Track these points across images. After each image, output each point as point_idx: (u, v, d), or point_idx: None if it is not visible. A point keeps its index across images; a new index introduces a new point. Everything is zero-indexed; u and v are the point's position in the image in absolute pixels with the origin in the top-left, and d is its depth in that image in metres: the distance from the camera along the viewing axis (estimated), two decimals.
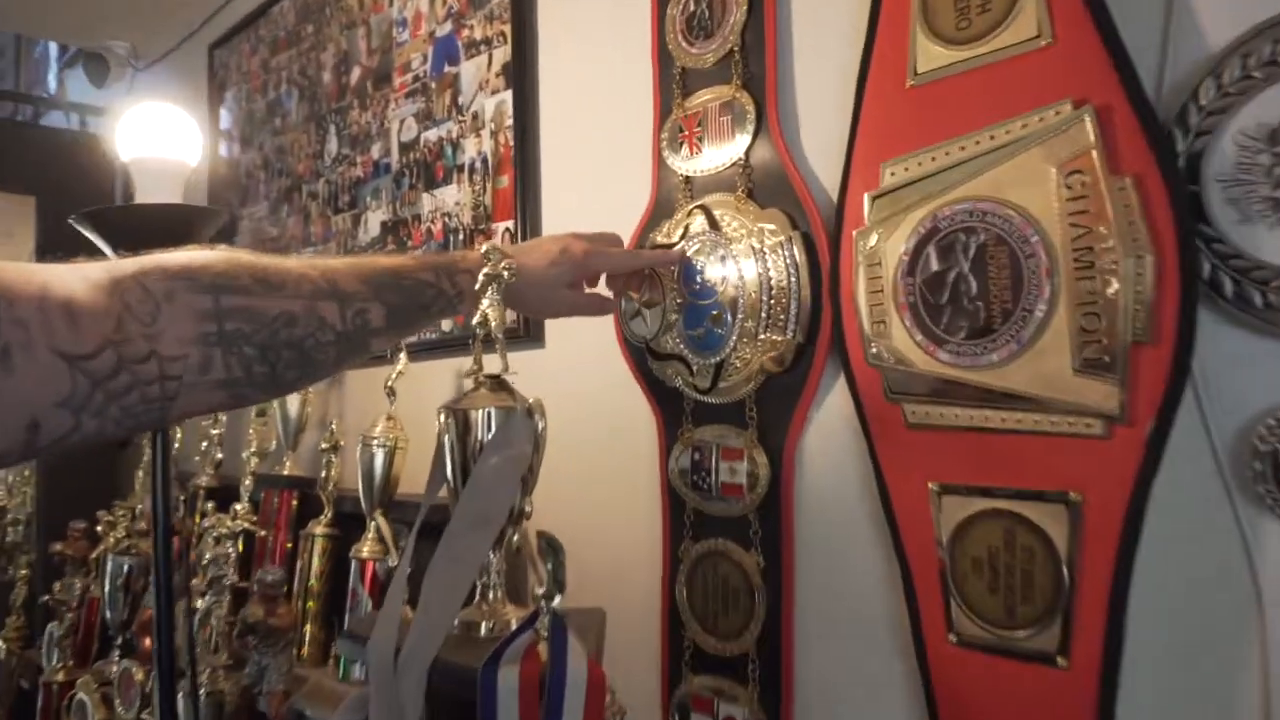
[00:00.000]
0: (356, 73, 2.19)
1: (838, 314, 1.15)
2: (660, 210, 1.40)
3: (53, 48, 5.15)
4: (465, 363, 1.81)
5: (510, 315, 1.59)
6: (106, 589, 2.20)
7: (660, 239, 1.38)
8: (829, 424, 1.20)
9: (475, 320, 1.12)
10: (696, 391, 1.31)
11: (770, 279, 1.22)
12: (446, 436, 1.11)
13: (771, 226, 1.23)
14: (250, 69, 2.71)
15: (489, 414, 1.09)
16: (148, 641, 1.95)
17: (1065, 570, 0.93)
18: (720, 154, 1.31)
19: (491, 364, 1.12)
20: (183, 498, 2.28)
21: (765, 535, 1.24)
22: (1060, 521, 0.94)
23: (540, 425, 1.07)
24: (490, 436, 1.08)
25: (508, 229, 1.68)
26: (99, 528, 2.32)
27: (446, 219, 1.85)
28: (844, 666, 1.18)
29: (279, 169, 2.55)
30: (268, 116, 2.62)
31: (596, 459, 1.53)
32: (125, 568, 2.17)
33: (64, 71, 4.77)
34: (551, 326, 1.63)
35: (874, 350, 1.09)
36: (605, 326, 1.45)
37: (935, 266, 1.03)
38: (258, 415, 2.10)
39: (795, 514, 1.23)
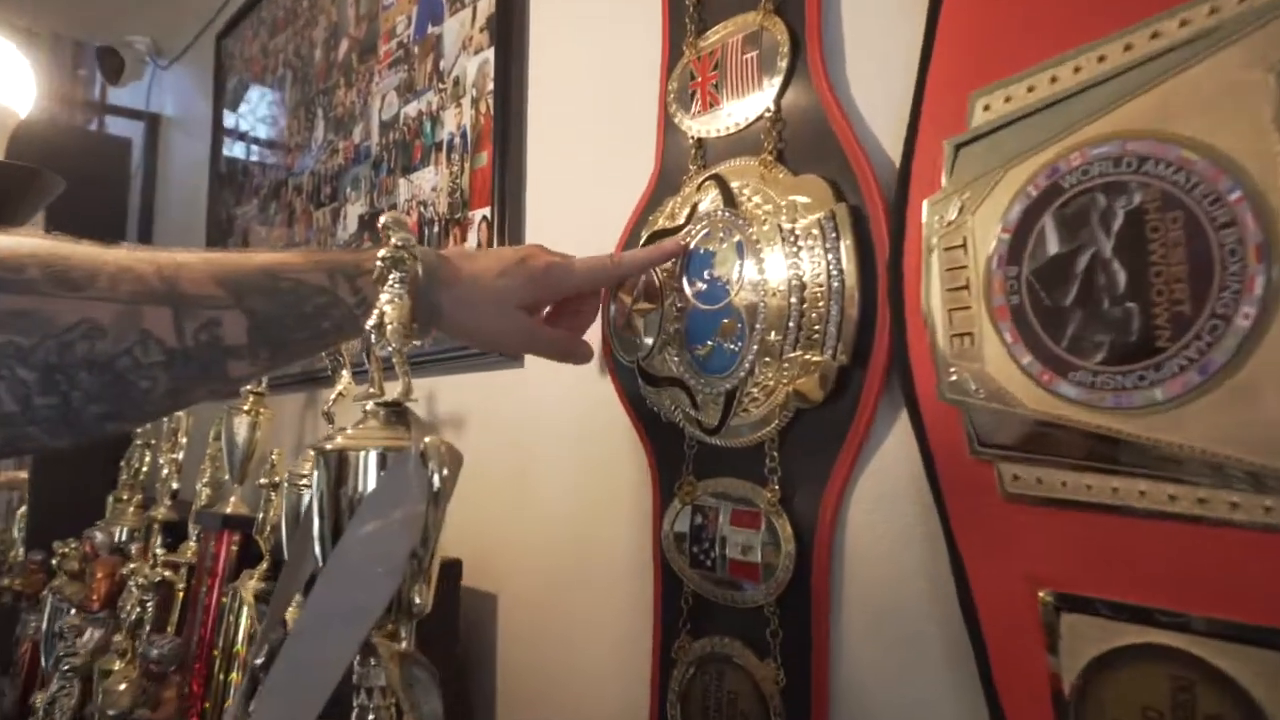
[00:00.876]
0: (344, 46, 1.90)
1: (899, 323, 0.78)
2: (664, 184, 1.05)
3: None
4: (445, 384, 1.49)
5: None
6: (44, 630, 1.93)
7: (664, 222, 1.02)
8: (884, 484, 0.82)
9: (371, 322, 0.79)
10: (700, 429, 0.95)
11: (803, 273, 0.85)
12: (313, 489, 0.77)
13: (806, 199, 0.86)
14: (251, 55, 2.46)
15: (372, 458, 0.74)
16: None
17: None
18: (742, 107, 0.96)
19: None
20: (135, 531, 1.99)
21: (787, 640, 0.86)
22: None
23: (437, 477, 0.72)
24: (369, 492, 0.74)
25: (485, 217, 1.35)
26: (54, 560, 2.04)
27: (422, 208, 1.53)
28: None
29: (271, 162, 2.27)
30: (263, 105, 2.36)
31: (573, 514, 1.17)
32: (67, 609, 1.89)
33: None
34: None
35: (953, 378, 0.72)
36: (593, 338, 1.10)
37: (1055, 248, 0.66)
38: (215, 438, 1.79)
39: (831, 615, 0.85)
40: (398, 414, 0.80)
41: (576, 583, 1.15)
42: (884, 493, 0.82)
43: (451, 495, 0.78)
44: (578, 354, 0.94)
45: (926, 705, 0.77)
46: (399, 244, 0.77)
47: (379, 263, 0.80)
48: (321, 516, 0.77)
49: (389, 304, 0.80)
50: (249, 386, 1.70)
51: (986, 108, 0.71)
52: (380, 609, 0.71)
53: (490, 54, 1.37)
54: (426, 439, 0.74)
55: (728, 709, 0.91)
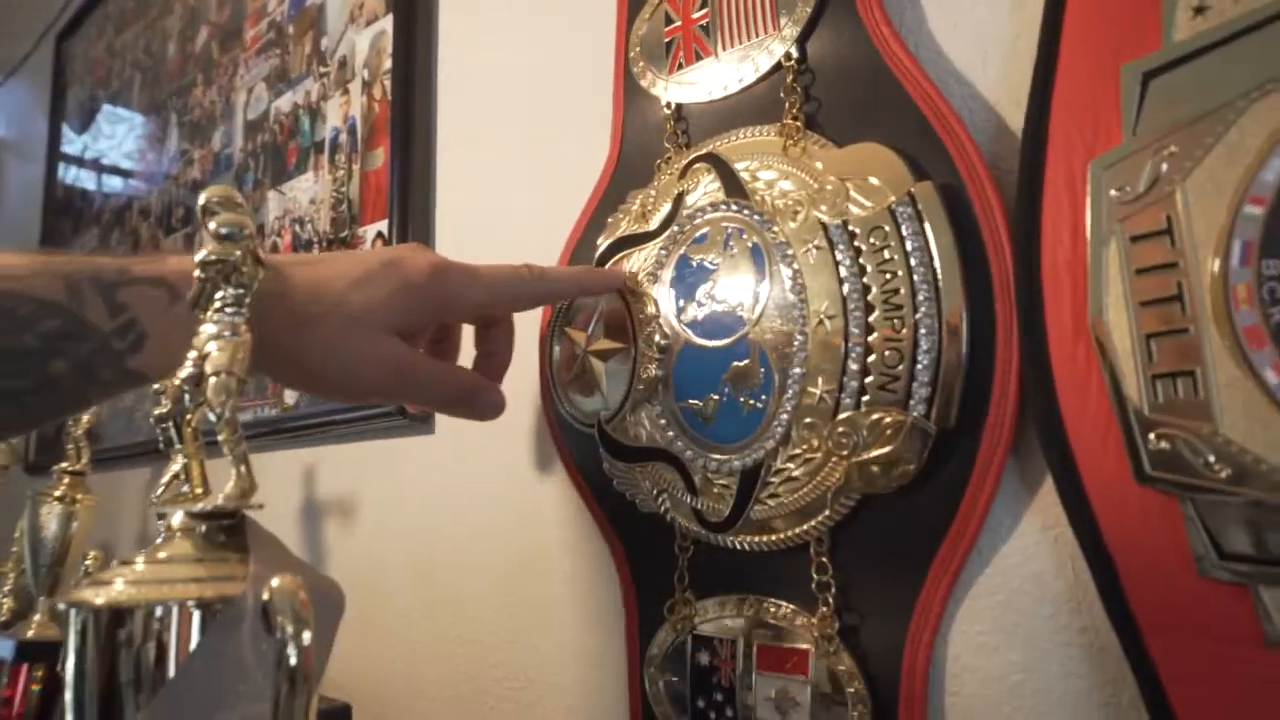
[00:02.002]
0: (203, 35, 1.55)
1: (1040, 360, 0.50)
2: (627, 173, 0.76)
3: None
4: (326, 457, 1.13)
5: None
6: None
7: (630, 225, 0.72)
8: (1016, 610, 0.54)
9: (183, 372, 0.47)
10: (701, 523, 0.64)
11: (866, 288, 0.57)
12: (68, 673, 0.43)
13: (863, 180, 0.58)
14: (95, 57, 2.07)
15: (174, 618, 0.41)
16: None
17: None
18: (742, 59, 0.67)
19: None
20: None
21: None
22: None
23: (293, 647, 0.39)
24: (169, 681, 0.41)
25: (380, 234, 1.02)
26: None
27: (297, 227, 1.19)
28: None
29: (114, 184, 1.88)
30: (105, 117, 1.97)
31: (508, 647, 0.84)
32: None
33: None
34: None
35: (1161, 446, 0.44)
36: (529, 395, 0.78)
37: None
38: (20, 534, 1.38)
39: None
40: (228, 531, 0.47)
41: None
42: (1015, 623, 0.53)
43: (325, 664, 0.46)
44: (478, 401, 0.62)
45: None
46: (224, 233, 0.45)
47: (198, 273, 0.48)
48: None
49: (215, 341, 0.48)
50: (65, 464, 1.31)
51: (1199, 9, 0.44)
52: None
53: (387, 24, 1.06)
54: (275, 583, 0.41)
55: None
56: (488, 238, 0.93)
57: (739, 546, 0.63)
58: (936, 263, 0.54)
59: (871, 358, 0.56)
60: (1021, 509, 0.53)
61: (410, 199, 0.99)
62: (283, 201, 1.24)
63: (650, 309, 0.68)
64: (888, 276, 0.56)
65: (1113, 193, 0.47)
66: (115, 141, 1.89)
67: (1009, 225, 0.53)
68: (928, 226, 0.55)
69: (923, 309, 0.54)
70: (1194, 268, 0.44)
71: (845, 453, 0.56)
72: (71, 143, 2.15)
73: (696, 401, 0.64)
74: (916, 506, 0.55)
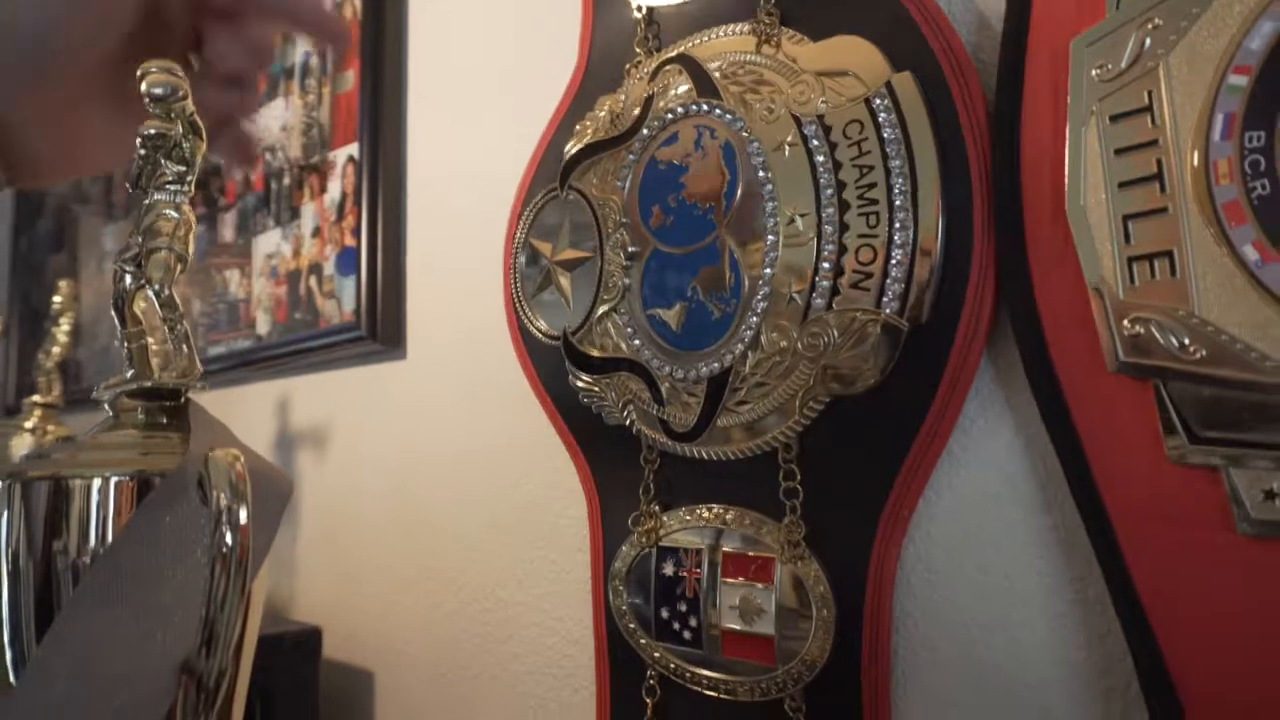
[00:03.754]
0: None
1: (1015, 248, 0.48)
2: (595, 80, 0.73)
3: None
4: (300, 387, 1.10)
5: (339, 293, 0.91)
6: None
7: (597, 131, 0.70)
8: (983, 511, 0.52)
9: (123, 256, 0.46)
10: (668, 434, 0.63)
11: (841, 183, 0.55)
12: (5, 541, 0.42)
13: (839, 73, 0.56)
14: None
15: (110, 489, 0.40)
16: None
17: None
18: None
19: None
20: None
21: None
22: None
23: (226, 526, 0.38)
24: (102, 553, 0.40)
25: (351, 157, 1.00)
26: None
27: (268, 155, 1.16)
28: None
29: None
30: None
31: (475, 564, 0.83)
32: None
33: None
34: (416, 322, 0.94)
35: (1136, 331, 0.42)
36: (500, 311, 0.76)
37: None
38: None
39: (896, 711, 0.54)
40: (170, 413, 0.46)
41: (485, 658, 0.81)
42: (982, 524, 0.52)
43: (267, 550, 0.44)
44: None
45: None
46: (157, 93, 0.43)
47: (139, 149, 0.46)
48: (14, 605, 0.42)
49: (155, 219, 0.46)
50: (37, 397, 1.28)
51: None
52: None
53: None
54: (214, 452, 0.39)
55: None
56: (459, 154, 0.90)
57: (706, 456, 0.62)
58: (914, 155, 0.52)
59: (844, 255, 0.54)
60: (994, 408, 0.52)
61: (381, 118, 0.97)
62: (254, 130, 1.20)
63: (618, 216, 0.66)
64: (863, 171, 0.54)
65: (1094, 72, 0.45)
66: None
67: (991, 111, 0.51)
68: (906, 118, 0.53)
69: (898, 202, 0.52)
70: (1174, 145, 0.42)
71: (815, 354, 0.55)
72: None
73: (664, 309, 0.63)
74: (887, 408, 0.54)
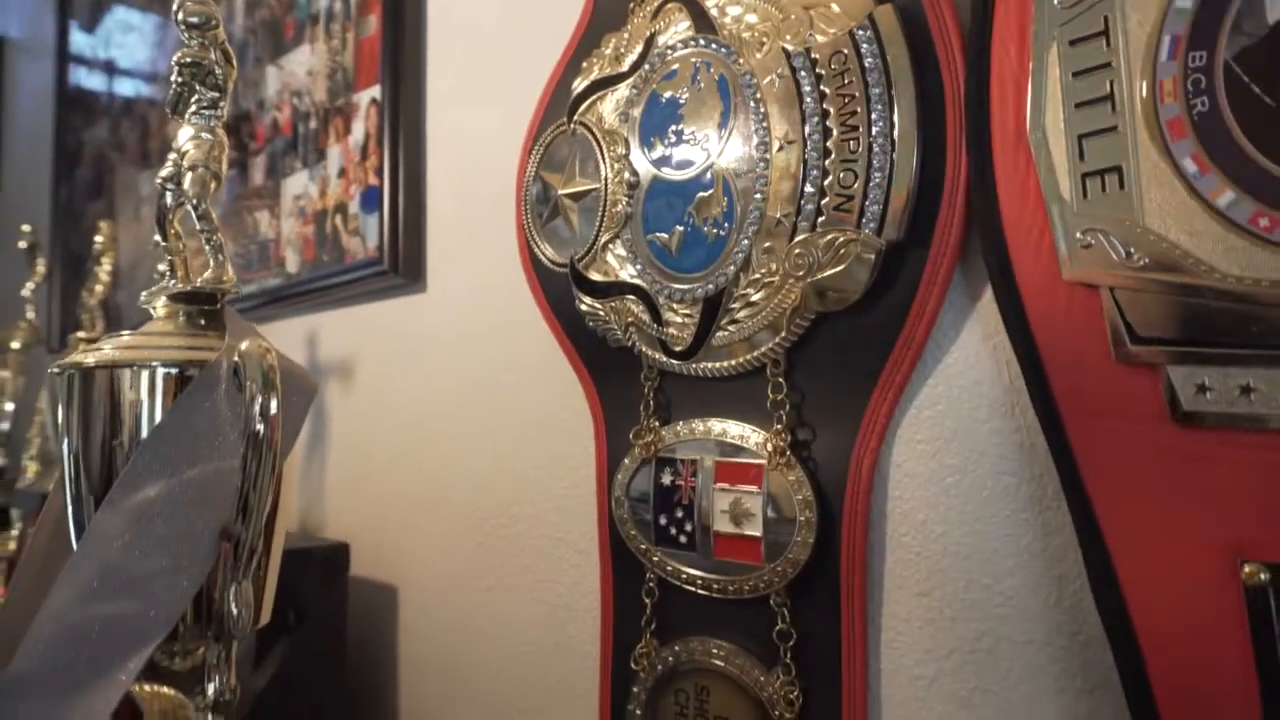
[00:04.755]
0: None
1: (984, 169, 0.51)
2: (602, 19, 0.76)
3: None
4: (327, 322, 1.16)
5: (363, 230, 0.96)
6: None
7: (603, 69, 0.73)
8: (952, 417, 0.56)
9: (164, 170, 0.50)
10: (666, 353, 0.67)
11: (825, 112, 0.58)
12: (60, 433, 0.47)
13: (826, 8, 0.59)
14: None
15: (159, 379, 0.45)
16: None
17: None
18: None
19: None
20: None
21: (804, 643, 0.60)
22: None
23: (258, 408, 0.43)
24: (147, 436, 0.45)
25: (374, 99, 1.04)
26: None
27: (295, 100, 1.20)
28: None
29: (123, 67, 1.90)
30: (113, 15, 1.97)
31: (490, 481, 0.89)
32: None
33: None
34: (436, 256, 0.98)
35: (1088, 242, 0.46)
36: (513, 243, 0.80)
37: None
38: (41, 406, 1.44)
39: (869, 607, 0.59)
40: (207, 316, 0.51)
41: (499, 570, 0.87)
42: (953, 429, 0.56)
43: (296, 438, 0.50)
44: None
45: None
46: (193, 20, 0.47)
47: (175, 76, 0.50)
48: (75, 478, 0.47)
49: (192, 141, 0.51)
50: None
51: None
52: (162, 626, 0.42)
53: None
54: (244, 344, 0.44)
55: None
56: (476, 94, 0.94)
57: (701, 373, 0.66)
58: (893, 83, 0.55)
59: (828, 179, 0.58)
60: (964, 320, 0.55)
61: (402, 61, 1.01)
62: (281, 76, 1.25)
63: (620, 148, 0.69)
64: (846, 99, 0.57)
65: (1056, 0, 0.48)
66: (126, 50, 1.89)
67: (964, 39, 0.54)
68: (886, 49, 0.56)
69: (877, 128, 0.56)
70: (1126, 66, 0.45)
71: (801, 273, 0.58)
72: (79, 43, 2.15)
73: (663, 234, 0.66)
74: (867, 322, 0.57)
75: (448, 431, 0.95)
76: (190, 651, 0.46)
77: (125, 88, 1.91)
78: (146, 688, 0.42)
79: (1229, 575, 0.42)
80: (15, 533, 1.44)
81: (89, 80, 2.10)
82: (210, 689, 0.44)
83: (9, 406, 1.61)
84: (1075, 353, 0.47)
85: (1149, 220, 0.44)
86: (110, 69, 1.99)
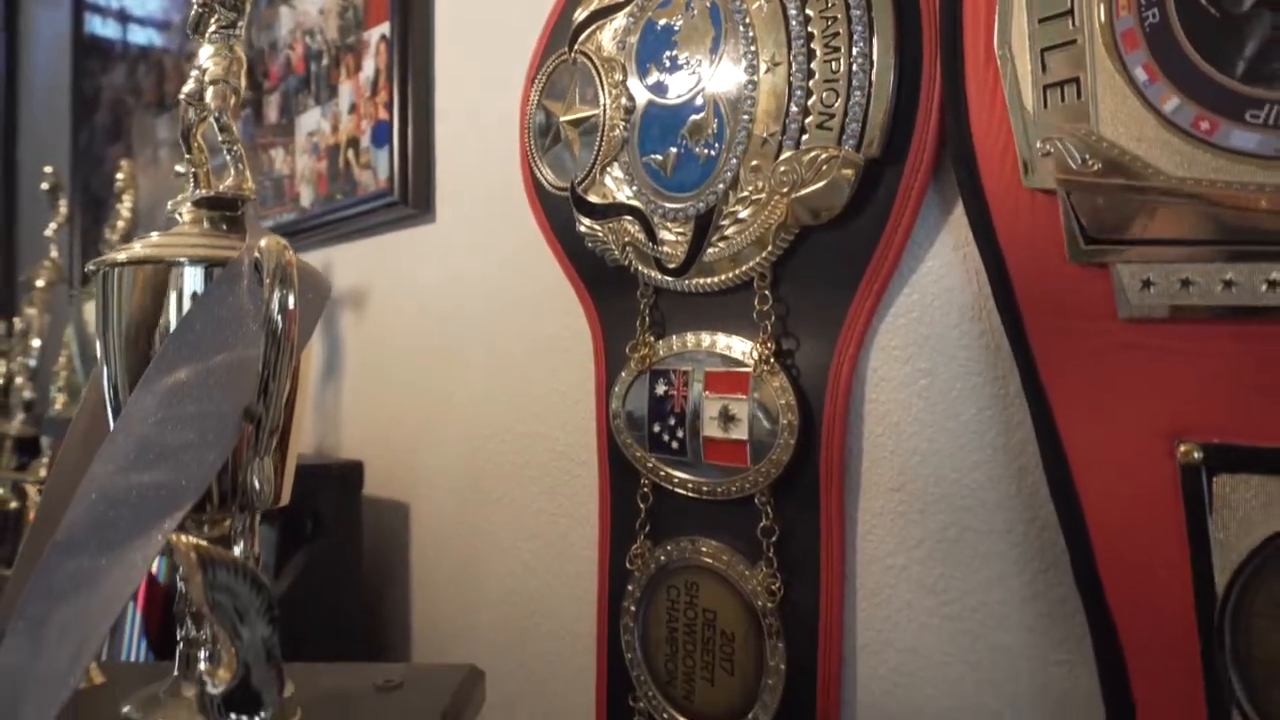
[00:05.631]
0: None
1: (955, 85, 0.54)
2: None
3: None
4: (341, 254, 1.20)
5: (374, 163, 0.99)
6: None
7: (598, 2, 0.76)
8: (924, 323, 0.60)
9: (187, 87, 0.53)
10: (660, 270, 0.71)
11: (809, 34, 0.61)
12: (97, 325, 0.51)
13: None
14: None
15: (186, 277, 0.49)
16: None
17: None
18: None
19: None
20: None
21: (786, 538, 0.65)
22: None
23: (277, 302, 0.47)
24: (176, 325, 0.49)
25: (383, 36, 1.06)
26: None
27: (308, 38, 1.23)
28: None
29: (137, 15, 1.92)
30: None
31: (497, 399, 0.93)
32: None
33: None
34: (444, 187, 1.02)
35: (1047, 150, 0.49)
36: (517, 173, 0.84)
37: None
38: (67, 339, 1.49)
39: (846, 503, 0.63)
40: (230, 222, 0.54)
41: (505, 484, 0.92)
42: (926, 335, 0.59)
43: (312, 333, 0.54)
44: None
45: (987, 625, 0.56)
46: None
47: (195, 2, 0.54)
48: (112, 365, 0.52)
49: (212, 59, 0.54)
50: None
51: None
52: (192, 494, 0.46)
53: None
54: (263, 242, 0.48)
55: (703, 631, 0.69)
56: (481, 25, 0.97)
57: (693, 289, 0.69)
58: (873, 4, 0.58)
59: (811, 99, 0.61)
60: (937, 231, 0.59)
61: None
62: (294, 15, 1.28)
63: (618, 75, 0.72)
64: (829, 21, 0.60)
65: None
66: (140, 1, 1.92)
67: None
68: None
69: (858, 48, 0.58)
70: None
71: (786, 189, 0.62)
72: None
73: (658, 156, 0.70)
74: (847, 236, 0.61)
75: (456, 355, 0.99)
76: (218, 522, 0.51)
77: (139, 36, 1.93)
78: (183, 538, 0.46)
79: (1166, 456, 0.46)
80: (45, 460, 1.50)
81: (104, 28, 2.13)
82: (236, 551, 0.48)
83: (36, 343, 1.66)
84: (1034, 256, 0.51)
85: (1102, 128, 0.47)
86: (124, 17, 2.01)
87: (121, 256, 0.49)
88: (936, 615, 0.58)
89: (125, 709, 0.55)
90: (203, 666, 0.42)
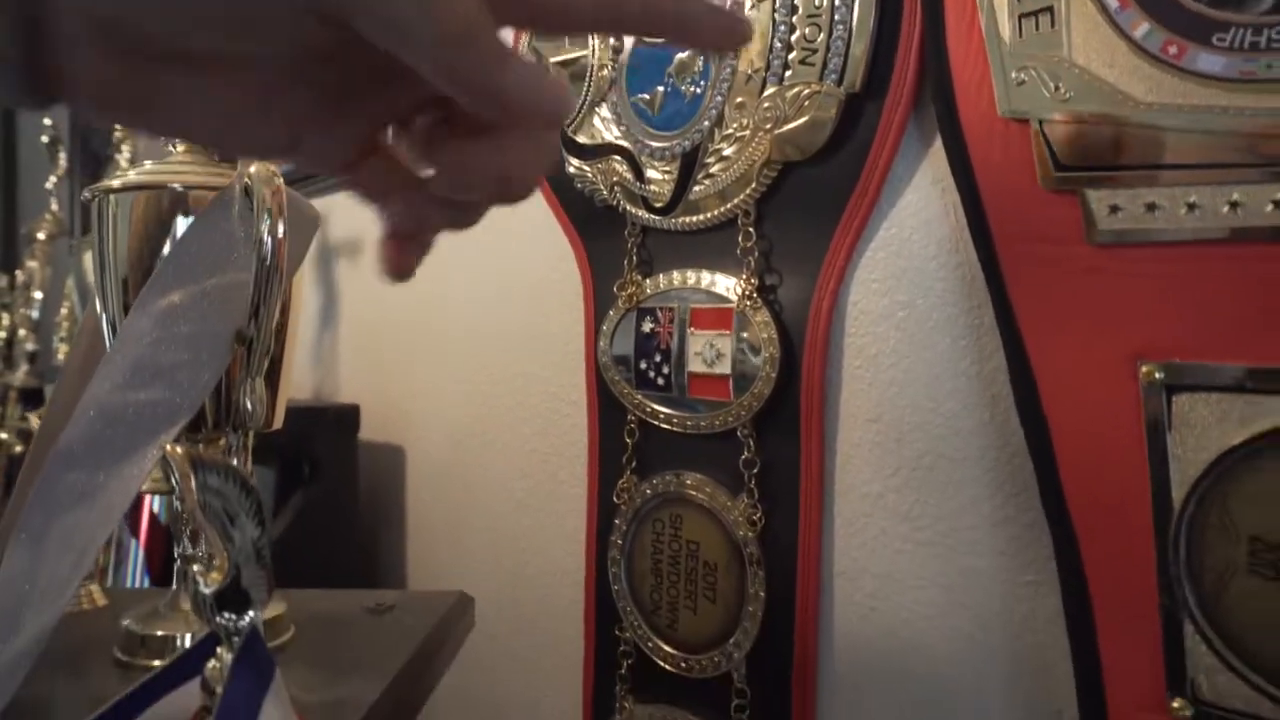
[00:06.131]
0: None
1: (934, 18, 0.55)
2: None
3: None
4: (339, 205, 1.21)
5: None
6: None
7: None
8: (904, 256, 0.61)
9: None
10: (648, 209, 0.72)
11: None
12: (94, 249, 0.53)
13: None
14: None
15: (177, 200, 0.50)
16: None
17: None
18: None
19: None
20: None
21: (766, 469, 0.66)
22: None
23: (266, 230, 0.48)
24: (168, 250, 0.50)
25: None
26: None
27: None
28: None
29: None
30: None
31: (491, 343, 0.94)
32: None
33: None
34: None
35: (1022, 80, 0.50)
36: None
37: None
38: (67, 291, 1.51)
39: (826, 434, 0.65)
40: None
41: (498, 426, 0.93)
42: (904, 268, 0.61)
43: (302, 260, 0.55)
44: (548, 92, 0.27)
45: (959, 549, 0.58)
46: None
47: None
48: (106, 285, 0.53)
49: None
50: None
51: None
52: (187, 411, 0.48)
53: None
54: (253, 169, 0.49)
55: (686, 563, 0.71)
56: None
57: (679, 227, 0.70)
58: None
59: (795, 34, 0.61)
60: (917, 165, 0.60)
61: None
62: None
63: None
64: None
65: None
66: None
67: None
68: None
69: None
70: None
71: (769, 125, 0.63)
72: None
73: (645, 95, 0.71)
74: (828, 171, 0.62)
75: (450, 300, 1.00)
76: (212, 441, 0.53)
77: None
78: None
79: (1130, 378, 0.47)
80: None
81: None
82: None
83: (38, 295, 1.68)
84: (1008, 184, 0.52)
85: (1075, 55, 0.48)
86: None
87: (116, 183, 0.51)
88: (910, 541, 0.60)
89: (126, 622, 0.57)
90: (196, 568, 0.44)
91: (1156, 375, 0.46)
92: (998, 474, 0.56)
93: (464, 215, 0.35)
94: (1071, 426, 0.50)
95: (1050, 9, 0.49)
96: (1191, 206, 0.44)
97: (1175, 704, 0.46)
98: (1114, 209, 0.47)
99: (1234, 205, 0.43)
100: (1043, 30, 0.49)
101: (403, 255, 0.35)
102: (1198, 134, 0.44)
